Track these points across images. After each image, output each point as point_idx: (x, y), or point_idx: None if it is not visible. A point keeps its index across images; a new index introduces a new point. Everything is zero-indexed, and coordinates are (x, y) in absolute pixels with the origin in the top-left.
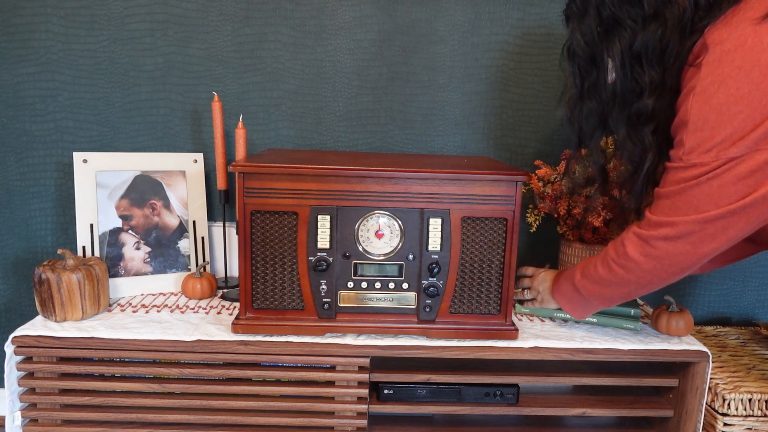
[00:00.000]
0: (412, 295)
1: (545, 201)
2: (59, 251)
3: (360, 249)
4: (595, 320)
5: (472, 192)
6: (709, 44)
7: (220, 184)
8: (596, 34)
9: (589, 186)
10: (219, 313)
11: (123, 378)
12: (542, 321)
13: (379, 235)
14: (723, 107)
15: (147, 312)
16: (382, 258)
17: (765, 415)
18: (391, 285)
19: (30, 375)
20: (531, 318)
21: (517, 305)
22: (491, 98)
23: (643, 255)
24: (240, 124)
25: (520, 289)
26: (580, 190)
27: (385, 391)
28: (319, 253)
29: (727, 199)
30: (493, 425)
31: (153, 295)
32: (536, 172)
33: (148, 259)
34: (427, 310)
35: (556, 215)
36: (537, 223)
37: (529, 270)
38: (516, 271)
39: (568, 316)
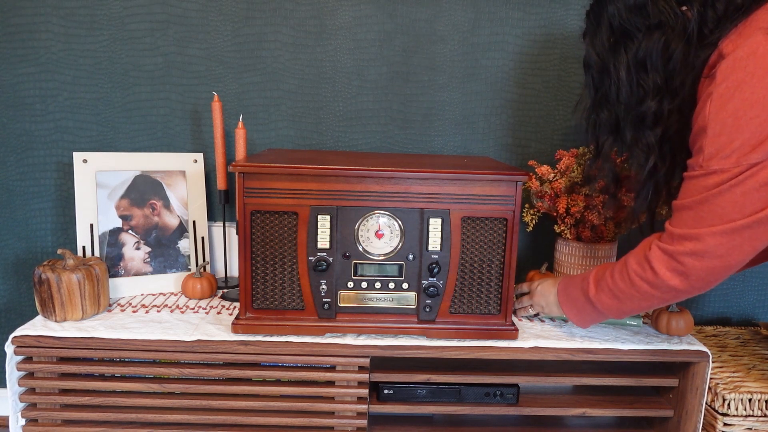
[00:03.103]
0: (412, 295)
1: (544, 200)
2: (59, 251)
3: (360, 249)
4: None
5: (472, 192)
6: (725, 54)
7: (220, 184)
8: (608, 45)
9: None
10: (219, 313)
11: (123, 378)
12: (542, 321)
13: (379, 235)
14: (739, 112)
15: (147, 312)
16: (382, 258)
17: (765, 415)
18: (391, 285)
19: (30, 375)
20: (531, 318)
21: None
22: (491, 98)
23: (671, 270)
24: (240, 124)
25: (522, 307)
26: (597, 194)
27: (385, 391)
28: (319, 253)
29: (752, 207)
30: (493, 425)
31: (153, 295)
32: (536, 170)
33: (148, 259)
34: (427, 310)
35: (554, 214)
36: (534, 222)
37: (525, 287)
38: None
39: None
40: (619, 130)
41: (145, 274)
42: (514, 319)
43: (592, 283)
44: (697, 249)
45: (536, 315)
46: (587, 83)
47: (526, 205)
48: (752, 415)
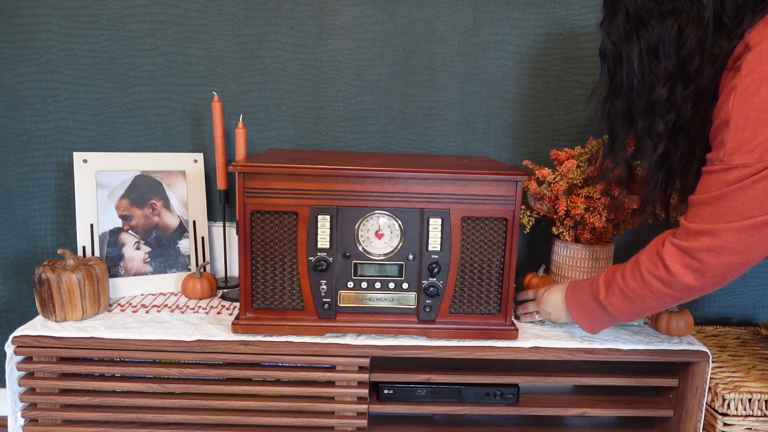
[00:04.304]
0: (412, 295)
1: (543, 202)
2: (59, 251)
3: (360, 249)
4: None
5: (472, 192)
6: (751, 46)
7: (220, 184)
8: (623, 33)
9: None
10: (219, 313)
11: (123, 378)
12: (542, 321)
13: (379, 235)
14: (765, 106)
15: (147, 312)
16: (382, 258)
17: (765, 415)
18: (391, 285)
19: (30, 375)
20: (534, 323)
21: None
22: (491, 98)
23: (685, 267)
24: (240, 124)
25: (529, 313)
26: (613, 188)
27: (385, 391)
28: (319, 253)
29: None
30: (493, 425)
31: (153, 295)
32: (536, 172)
33: (148, 259)
34: (427, 310)
35: (554, 216)
36: (530, 224)
37: (530, 293)
38: (516, 297)
39: None
40: (633, 119)
41: (145, 274)
42: (514, 319)
43: (602, 286)
44: (714, 245)
45: (540, 321)
46: (603, 72)
47: (522, 207)
48: (752, 415)
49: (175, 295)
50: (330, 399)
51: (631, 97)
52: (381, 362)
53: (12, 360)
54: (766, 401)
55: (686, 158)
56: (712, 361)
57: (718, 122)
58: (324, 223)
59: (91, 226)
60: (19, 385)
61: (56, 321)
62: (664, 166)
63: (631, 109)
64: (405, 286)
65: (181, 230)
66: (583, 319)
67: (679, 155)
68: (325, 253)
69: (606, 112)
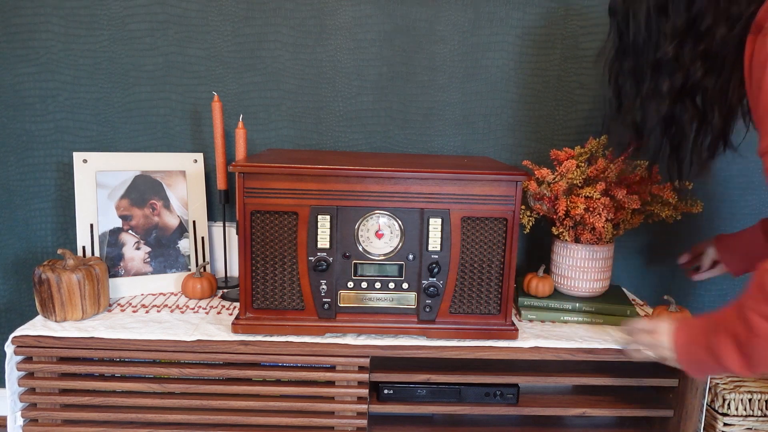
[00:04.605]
0: (412, 295)
1: (543, 202)
2: (59, 251)
3: (360, 249)
4: (601, 321)
5: (472, 192)
6: None
7: (220, 184)
8: None
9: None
10: (219, 313)
11: (123, 378)
12: (542, 321)
13: (379, 235)
14: None
15: (147, 312)
16: (382, 258)
17: (765, 415)
18: (391, 285)
19: (30, 375)
20: (531, 318)
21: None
22: (491, 98)
23: None
24: (240, 124)
25: (637, 349)
26: (613, 189)
27: (385, 391)
28: (319, 253)
29: None
30: (493, 425)
31: (153, 295)
32: (535, 173)
33: (148, 259)
34: (427, 310)
35: (554, 216)
36: (530, 224)
37: (647, 324)
38: (626, 322)
39: (568, 316)
40: (640, 79)
41: (145, 274)
42: (514, 319)
43: (713, 322)
44: None
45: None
46: (611, 30)
47: (522, 207)
48: (752, 415)
49: (175, 295)
50: (330, 399)
51: (638, 56)
52: (381, 362)
53: (12, 360)
54: (766, 401)
55: (698, 124)
56: None
57: (765, 102)
58: (324, 223)
59: (91, 226)
60: (19, 385)
61: (56, 321)
62: (671, 129)
63: (638, 69)
64: (405, 286)
65: (181, 230)
66: (685, 358)
67: (689, 118)
68: (325, 253)
69: (614, 73)
